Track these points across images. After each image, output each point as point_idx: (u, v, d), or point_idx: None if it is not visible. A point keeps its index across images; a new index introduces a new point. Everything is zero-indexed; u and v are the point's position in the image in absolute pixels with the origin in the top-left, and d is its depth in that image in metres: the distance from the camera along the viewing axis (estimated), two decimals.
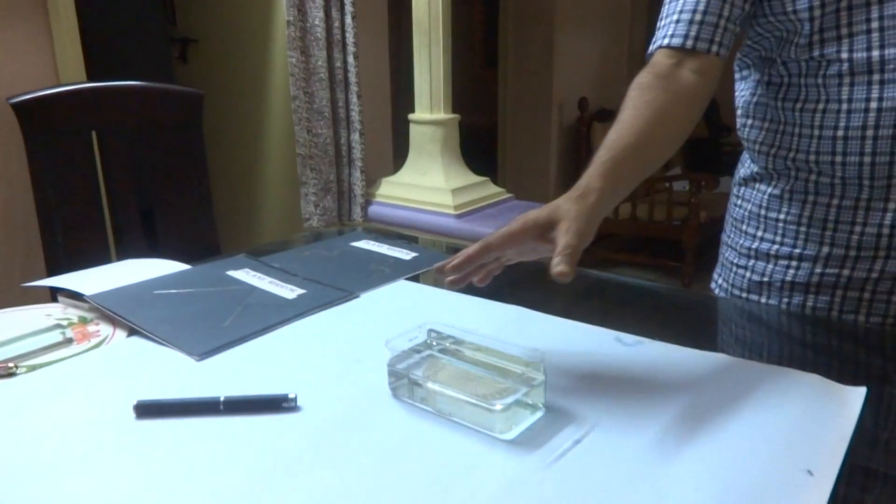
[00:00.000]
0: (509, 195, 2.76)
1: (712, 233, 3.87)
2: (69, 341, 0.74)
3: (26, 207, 1.33)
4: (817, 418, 0.58)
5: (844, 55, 0.75)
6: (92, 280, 0.89)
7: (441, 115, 2.56)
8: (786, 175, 0.86)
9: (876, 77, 0.74)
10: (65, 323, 0.79)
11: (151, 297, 0.85)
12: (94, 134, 1.37)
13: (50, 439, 0.57)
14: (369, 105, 2.63)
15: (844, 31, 0.75)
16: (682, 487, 0.49)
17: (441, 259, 1.04)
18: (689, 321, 0.89)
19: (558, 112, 3.95)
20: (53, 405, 0.62)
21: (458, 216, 2.49)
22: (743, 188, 0.95)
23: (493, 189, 2.72)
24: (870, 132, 0.76)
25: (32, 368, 0.68)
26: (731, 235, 0.97)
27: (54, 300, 0.88)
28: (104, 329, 0.78)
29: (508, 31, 3.91)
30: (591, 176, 0.68)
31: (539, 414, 0.60)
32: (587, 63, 4.16)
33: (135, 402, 0.60)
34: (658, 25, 0.85)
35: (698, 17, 0.81)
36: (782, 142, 0.85)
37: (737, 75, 0.93)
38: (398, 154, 2.90)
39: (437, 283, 0.98)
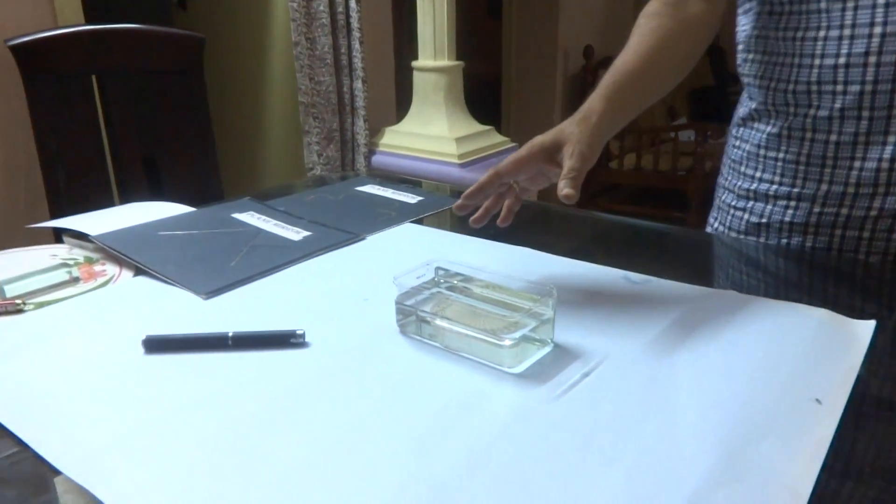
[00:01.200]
0: (514, 144, 2.73)
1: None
2: (76, 280, 0.74)
3: (29, 152, 1.32)
4: (826, 350, 0.58)
5: None
6: (97, 221, 0.89)
7: (445, 62, 2.52)
8: (784, 111, 0.84)
9: (881, 0, 0.72)
10: (71, 263, 0.79)
11: (157, 238, 0.85)
12: (94, 78, 1.36)
13: (59, 373, 0.57)
14: (372, 52, 2.58)
15: None
16: (689, 417, 0.50)
17: (447, 202, 1.04)
18: (698, 260, 0.89)
19: (563, 60, 3.88)
20: (62, 341, 0.62)
21: (462, 165, 2.47)
22: (741, 129, 0.93)
23: (497, 138, 2.69)
24: (872, 58, 0.74)
25: (40, 305, 0.68)
26: (729, 178, 0.96)
27: (59, 242, 0.87)
28: (110, 269, 0.78)
29: None
30: (594, 99, 0.72)
31: (548, 349, 0.60)
32: (592, 11, 4.07)
33: (143, 338, 0.60)
34: None
35: None
36: (782, 74, 0.83)
37: (739, 9, 0.91)
38: (402, 103, 2.86)
39: (444, 226, 0.97)
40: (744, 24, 0.89)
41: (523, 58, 3.94)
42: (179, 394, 0.54)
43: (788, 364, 0.56)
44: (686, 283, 0.72)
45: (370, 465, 0.45)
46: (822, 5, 0.77)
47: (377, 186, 1.10)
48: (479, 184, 0.69)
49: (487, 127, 2.68)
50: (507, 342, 0.56)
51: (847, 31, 0.76)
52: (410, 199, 1.04)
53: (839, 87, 0.78)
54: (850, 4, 0.75)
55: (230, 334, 0.60)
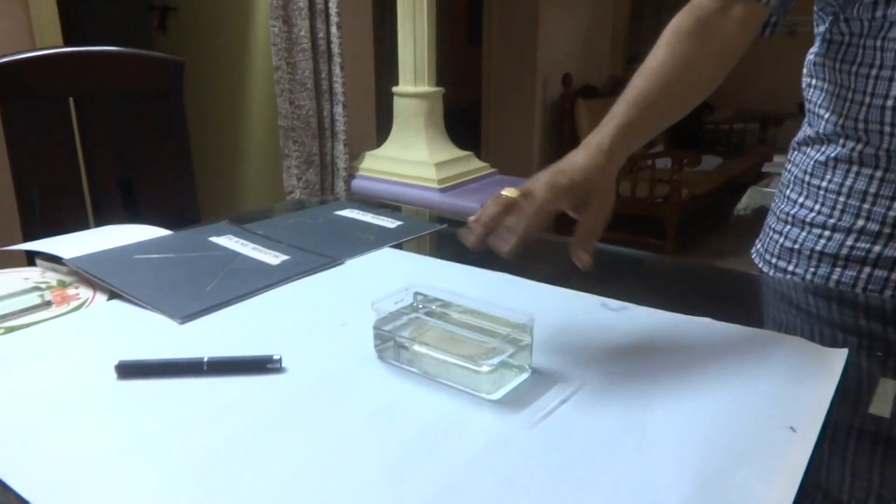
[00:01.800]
0: (493, 170, 2.75)
1: (694, 210, 3.91)
2: (48, 304, 0.73)
3: (2, 173, 1.30)
4: (800, 378, 0.59)
5: None
6: (71, 244, 0.87)
7: (425, 88, 2.54)
8: (835, 141, 0.84)
9: None
10: (43, 286, 0.78)
11: (132, 262, 0.84)
12: (71, 101, 1.35)
13: (29, 399, 0.56)
14: (352, 77, 2.60)
15: None
16: (666, 444, 0.50)
17: (426, 227, 1.04)
18: (674, 287, 0.89)
19: (542, 88, 3.94)
20: (33, 365, 0.61)
21: (442, 190, 2.48)
22: (795, 152, 0.93)
23: (477, 163, 2.71)
24: None
25: (11, 330, 0.67)
26: (776, 200, 0.95)
27: (32, 265, 0.86)
28: (84, 292, 0.76)
29: (492, 6, 3.88)
30: (614, 139, 0.66)
31: (525, 375, 0.60)
32: (571, 39, 4.14)
33: (116, 363, 0.59)
34: None
35: None
36: (835, 105, 0.83)
37: (815, 29, 0.88)
38: (381, 128, 2.87)
39: (423, 251, 0.97)
40: (813, 50, 0.88)
41: (502, 84, 3.99)
42: (153, 420, 0.53)
43: (763, 392, 0.57)
44: (663, 309, 0.73)
45: (347, 492, 0.45)
46: (879, 43, 0.75)
47: (356, 211, 1.10)
48: (488, 224, 0.63)
49: (467, 152, 2.70)
50: (485, 368, 0.56)
51: None
52: (390, 223, 1.04)
53: (886, 129, 0.77)
54: None
55: (205, 359, 0.60)
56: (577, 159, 0.65)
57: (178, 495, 0.45)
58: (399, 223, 1.04)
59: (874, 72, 0.77)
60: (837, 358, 0.62)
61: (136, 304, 0.73)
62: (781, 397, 0.56)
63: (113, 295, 0.76)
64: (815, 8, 0.85)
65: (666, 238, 3.45)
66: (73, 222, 1.30)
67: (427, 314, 0.66)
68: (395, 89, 2.61)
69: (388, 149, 2.67)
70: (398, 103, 2.62)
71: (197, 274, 0.81)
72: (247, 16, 2.59)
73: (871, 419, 0.56)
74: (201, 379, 0.59)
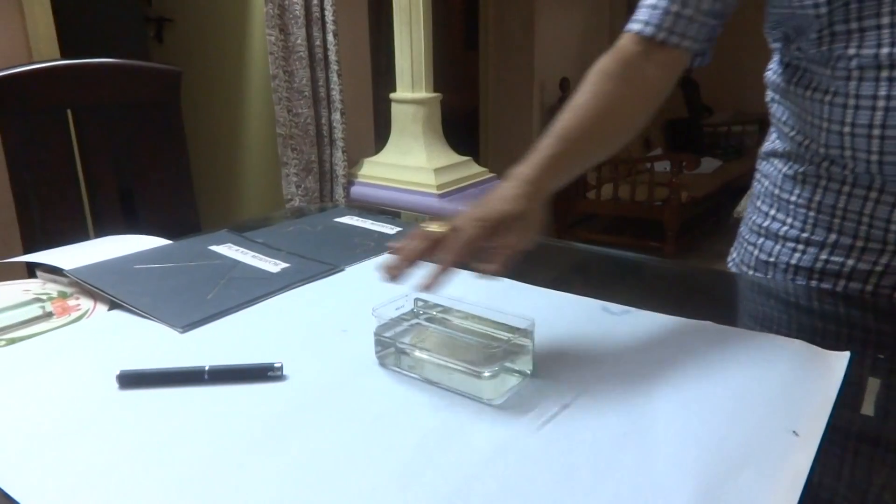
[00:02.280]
0: (492, 174, 2.75)
1: (694, 213, 3.91)
2: (49, 315, 0.73)
3: (1, 185, 1.30)
4: (802, 382, 0.59)
5: (853, 51, 0.72)
6: (71, 255, 0.87)
7: (423, 94, 2.54)
8: (801, 157, 0.84)
9: (885, 74, 0.70)
10: (44, 297, 0.78)
11: (132, 272, 0.84)
12: (69, 112, 1.35)
13: (31, 410, 0.56)
14: (350, 84, 2.61)
15: (854, 25, 0.71)
16: (668, 448, 0.50)
17: None
18: (676, 291, 0.89)
19: (540, 92, 3.94)
20: (34, 377, 0.61)
21: (441, 196, 2.48)
22: (764, 163, 0.93)
23: (475, 168, 2.71)
24: (876, 131, 0.72)
25: (12, 342, 0.67)
26: (749, 210, 0.95)
27: (32, 277, 0.86)
28: (84, 303, 0.76)
29: (489, 11, 3.89)
30: (541, 171, 0.68)
31: (527, 380, 0.59)
32: (568, 44, 4.15)
33: (117, 373, 0.59)
34: (639, 3, 0.82)
35: (675, 7, 0.77)
36: (798, 125, 0.83)
37: (770, 45, 0.89)
38: (380, 135, 2.88)
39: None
40: (771, 66, 0.88)
41: (500, 90, 3.99)
42: (154, 429, 0.53)
43: (765, 396, 0.57)
44: (664, 313, 0.73)
45: (349, 499, 0.45)
46: (829, 72, 0.75)
47: (356, 217, 1.10)
48: (436, 270, 0.63)
49: (465, 158, 2.70)
50: (487, 373, 0.56)
51: (852, 101, 0.74)
52: (389, 229, 1.04)
53: (847, 153, 0.76)
54: (855, 75, 0.73)
55: (206, 368, 0.60)
56: (507, 192, 0.66)
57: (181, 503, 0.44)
58: (398, 229, 1.04)
59: (828, 98, 0.76)
60: (839, 361, 0.62)
61: (136, 313, 0.73)
62: (784, 401, 0.56)
63: (114, 305, 0.76)
64: (765, 29, 0.85)
65: (666, 241, 3.45)
66: (72, 233, 1.30)
67: (428, 320, 0.66)
68: (392, 95, 2.61)
69: (386, 155, 2.67)
70: (396, 109, 2.62)
71: (197, 283, 0.81)
72: (243, 25, 2.60)
73: (873, 422, 0.56)
74: (203, 388, 0.59)
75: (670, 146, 4.48)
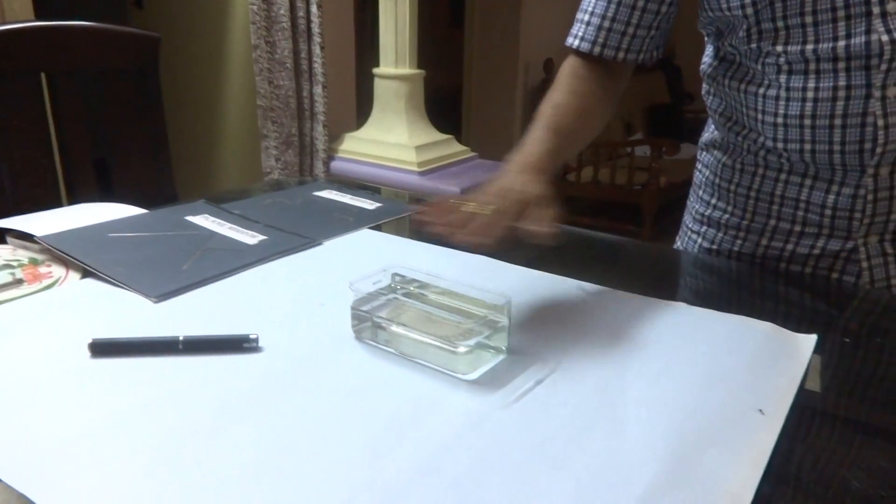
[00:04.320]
0: (473, 153, 2.75)
1: (672, 198, 3.95)
2: (19, 282, 0.72)
3: None
4: (770, 363, 0.60)
5: (780, 48, 0.74)
6: (43, 222, 0.86)
7: (406, 70, 2.52)
8: (739, 146, 0.86)
9: (812, 67, 0.73)
10: (14, 264, 0.77)
11: (106, 240, 0.83)
12: (43, 77, 1.32)
13: (1, 378, 0.55)
14: (332, 58, 2.58)
15: (780, 23, 0.73)
16: (638, 425, 0.51)
17: (406, 209, 1.04)
18: (650, 272, 0.90)
19: (524, 73, 3.93)
20: (4, 344, 0.60)
21: (422, 173, 2.47)
22: (704, 153, 0.95)
23: (457, 147, 2.70)
24: (807, 121, 0.75)
25: None
26: (691, 200, 0.98)
27: (2, 243, 0.85)
28: (56, 271, 0.75)
29: None
30: (544, 162, 0.72)
31: (502, 356, 0.60)
32: (553, 25, 4.13)
33: (90, 341, 0.59)
34: (576, 16, 0.87)
35: (606, 23, 0.82)
36: (733, 115, 0.85)
37: (706, 40, 0.92)
38: (362, 110, 2.85)
39: (402, 233, 0.97)
40: (705, 59, 0.90)
41: (484, 69, 3.97)
42: (126, 399, 0.53)
43: (734, 375, 0.58)
44: (639, 294, 0.73)
45: (322, 470, 0.45)
46: (760, 66, 0.78)
47: (335, 192, 1.10)
48: (474, 236, 0.64)
49: (447, 136, 2.70)
50: (462, 349, 0.57)
51: (783, 93, 0.76)
52: (369, 205, 1.04)
53: (780, 144, 0.79)
54: (784, 69, 0.75)
55: (181, 338, 0.59)
56: (524, 178, 0.69)
57: (153, 473, 0.44)
58: (378, 205, 1.04)
59: (762, 90, 0.79)
60: (807, 343, 0.63)
61: (110, 282, 0.72)
62: (752, 381, 0.57)
63: (86, 273, 0.75)
64: (698, 25, 0.87)
65: (644, 225, 3.48)
66: (45, 201, 1.28)
67: (405, 295, 0.66)
68: (375, 71, 2.59)
69: (367, 131, 2.65)
70: (379, 85, 2.60)
71: (172, 253, 0.80)
72: None
73: (836, 402, 0.57)
74: (176, 358, 0.59)
75: (651, 131, 4.50)
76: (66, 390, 0.54)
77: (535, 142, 0.74)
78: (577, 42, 0.85)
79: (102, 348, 0.59)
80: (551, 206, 0.66)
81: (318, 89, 2.48)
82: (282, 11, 2.31)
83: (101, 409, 0.51)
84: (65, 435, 0.48)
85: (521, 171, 0.71)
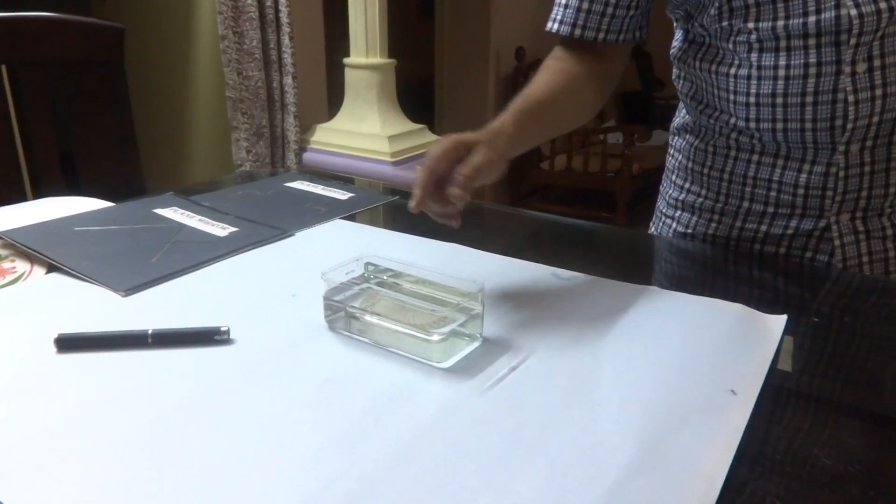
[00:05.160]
0: None
1: (645, 184, 3.98)
2: None
3: None
4: (741, 344, 0.61)
5: (751, 25, 0.75)
6: (6, 217, 0.84)
7: (377, 60, 2.51)
8: (711, 129, 0.87)
9: (783, 44, 0.74)
10: None
11: (72, 234, 0.81)
12: (4, 68, 1.28)
13: None
14: (302, 48, 2.55)
15: (751, 0, 0.74)
16: (611, 409, 0.51)
17: (379, 199, 1.03)
18: (624, 257, 0.91)
19: (495, 61, 3.92)
20: None
21: (395, 163, 2.46)
22: (676, 137, 0.96)
23: (430, 136, 2.69)
24: (779, 99, 0.76)
25: None
26: (664, 185, 0.99)
27: None
28: (20, 265, 0.74)
29: None
30: (506, 121, 0.71)
31: (476, 343, 0.60)
32: (524, 12, 4.13)
33: (56, 336, 0.57)
34: (554, 0, 0.86)
35: (585, 4, 0.82)
36: (704, 97, 0.86)
37: (675, 25, 0.93)
38: (333, 101, 2.83)
39: (376, 223, 0.97)
40: (675, 43, 0.91)
41: (455, 58, 3.96)
42: (94, 394, 0.52)
43: (705, 357, 0.59)
44: (612, 279, 0.74)
45: (297, 460, 0.44)
46: (731, 46, 0.78)
47: (307, 182, 1.09)
48: (422, 188, 0.63)
49: (420, 126, 2.68)
50: (436, 337, 0.56)
51: (755, 72, 0.77)
52: (341, 195, 1.03)
53: (752, 124, 0.80)
54: (756, 47, 0.76)
55: (150, 331, 0.58)
56: (473, 133, 0.67)
57: (124, 469, 0.44)
58: (350, 195, 1.03)
59: (733, 70, 0.79)
60: (777, 324, 0.64)
61: (76, 276, 0.71)
62: (723, 362, 0.58)
63: (52, 268, 0.73)
64: (667, 9, 0.87)
65: (617, 212, 3.50)
66: (9, 197, 1.25)
67: (378, 284, 0.66)
68: (346, 60, 2.57)
69: (339, 121, 2.63)
70: (350, 75, 2.58)
71: (141, 246, 0.79)
72: None
73: (807, 381, 0.58)
74: (146, 352, 0.58)
75: (623, 118, 4.52)
76: (31, 387, 0.53)
77: (501, 117, 0.72)
78: (556, 26, 0.85)
79: (68, 343, 0.57)
80: (486, 155, 0.64)
81: (288, 80, 2.45)
82: (249, 1, 2.28)
83: (68, 405, 0.50)
84: (31, 432, 0.47)
85: (482, 133, 0.69)
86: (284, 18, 2.38)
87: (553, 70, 0.82)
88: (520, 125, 0.71)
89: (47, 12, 1.32)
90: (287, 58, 2.42)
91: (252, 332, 0.61)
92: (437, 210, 0.65)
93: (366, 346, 0.59)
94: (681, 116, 0.95)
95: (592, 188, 3.67)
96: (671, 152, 0.97)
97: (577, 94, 0.82)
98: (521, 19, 4.09)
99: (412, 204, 0.63)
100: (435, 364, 0.56)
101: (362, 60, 2.52)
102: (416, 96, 3.55)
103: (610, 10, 0.81)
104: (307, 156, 2.60)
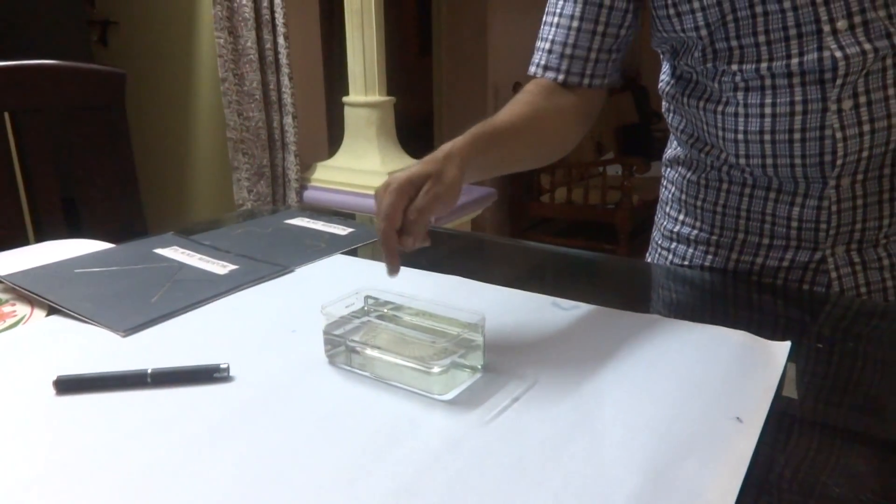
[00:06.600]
0: None
1: (645, 216, 3.97)
2: None
3: None
4: (745, 371, 0.60)
5: (735, 67, 0.75)
6: (7, 261, 0.84)
7: (376, 98, 2.53)
8: (703, 162, 0.87)
9: (768, 83, 0.74)
10: None
11: (72, 276, 0.81)
12: (6, 116, 1.30)
13: None
14: (302, 88, 2.58)
15: (734, 43, 0.74)
16: (616, 439, 0.50)
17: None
18: (625, 286, 0.90)
19: (493, 97, 3.96)
20: None
21: None
22: (668, 169, 0.96)
23: None
24: (767, 136, 0.76)
25: None
26: (659, 216, 0.98)
27: None
28: (21, 309, 0.74)
29: (442, 16, 3.90)
30: (457, 143, 0.70)
31: (478, 375, 0.59)
32: (521, 48, 4.18)
33: (54, 378, 0.57)
34: (536, 45, 0.87)
35: (568, 50, 0.83)
36: (697, 133, 0.86)
37: (662, 59, 0.92)
38: (333, 139, 2.85)
39: (377, 257, 0.97)
40: (663, 77, 0.91)
41: (454, 94, 4.01)
42: (94, 435, 0.51)
43: (710, 385, 0.58)
44: (614, 308, 0.73)
45: (299, 497, 0.44)
46: (717, 85, 0.78)
47: (307, 219, 1.09)
48: (390, 252, 0.64)
49: None
50: (436, 369, 0.56)
51: (742, 110, 0.77)
52: (341, 230, 1.03)
53: (742, 160, 0.80)
54: (741, 86, 0.76)
55: (149, 371, 0.58)
56: (423, 160, 0.67)
57: None
58: (351, 230, 1.03)
59: (720, 108, 0.79)
60: (781, 350, 0.63)
61: (76, 318, 0.71)
62: (728, 389, 0.57)
63: (52, 311, 0.73)
64: (652, 44, 0.87)
65: (619, 244, 3.50)
66: (11, 242, 1.26)
67: (378, 317, 0.65)
68: (345, 99, 2.60)
69: (340, 159, 2.65)
70: (349, 113, 2.60)
71: (141, 286, 0.79)
72: (191, 27, 2.55)
73: (813, 408, 0.57)
74: (145, 391, 0.57)
75: (622, 150, 4.55)
76: (30, 430, 0.52)
77: (457, 139, 0.71)
78: (540, 71, 0.85)
79: (67, 385, 0.57)
80: (440, 189, 0.63)
81: (288, 119, 2.48)
82: (248, 44, 2.32)
83: (67, 447, 0.50)
84: (30, 476, 0.46)
85: (429, 159, 0.68)
86: (283, 59, 2.41)
87: (518, 101, 0.82)
88: (475, 146, 0.70)
89: (50, 60, 1.34)
90: (287, 98, 2.45)
91: (252, 368, 0.61)
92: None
93: (366, 379, 0.59)
94: (672, 148, 0.95)
95: (593, 220, 3.68)
96: (664, 184, 0.97)
97: (540, 125, 0.81)
98: (518, 55, 4.14)
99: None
100: (436, 396, 0.56)
101: (361, 98, 2.55)
102: (415, 133, 3.58)
103: (594, 55, 0.82)
104: (308, 194, 2.62)
